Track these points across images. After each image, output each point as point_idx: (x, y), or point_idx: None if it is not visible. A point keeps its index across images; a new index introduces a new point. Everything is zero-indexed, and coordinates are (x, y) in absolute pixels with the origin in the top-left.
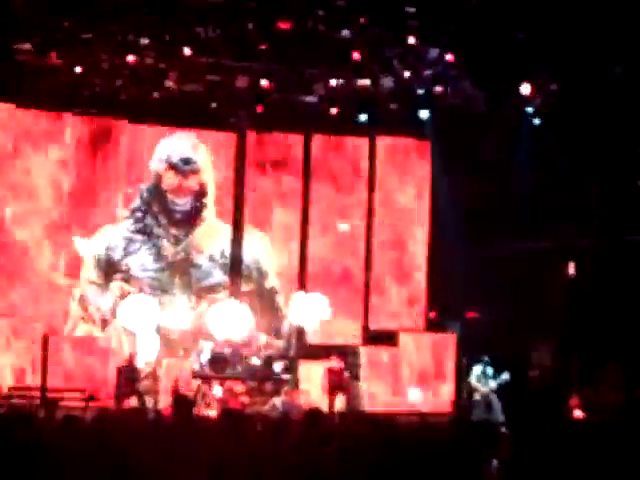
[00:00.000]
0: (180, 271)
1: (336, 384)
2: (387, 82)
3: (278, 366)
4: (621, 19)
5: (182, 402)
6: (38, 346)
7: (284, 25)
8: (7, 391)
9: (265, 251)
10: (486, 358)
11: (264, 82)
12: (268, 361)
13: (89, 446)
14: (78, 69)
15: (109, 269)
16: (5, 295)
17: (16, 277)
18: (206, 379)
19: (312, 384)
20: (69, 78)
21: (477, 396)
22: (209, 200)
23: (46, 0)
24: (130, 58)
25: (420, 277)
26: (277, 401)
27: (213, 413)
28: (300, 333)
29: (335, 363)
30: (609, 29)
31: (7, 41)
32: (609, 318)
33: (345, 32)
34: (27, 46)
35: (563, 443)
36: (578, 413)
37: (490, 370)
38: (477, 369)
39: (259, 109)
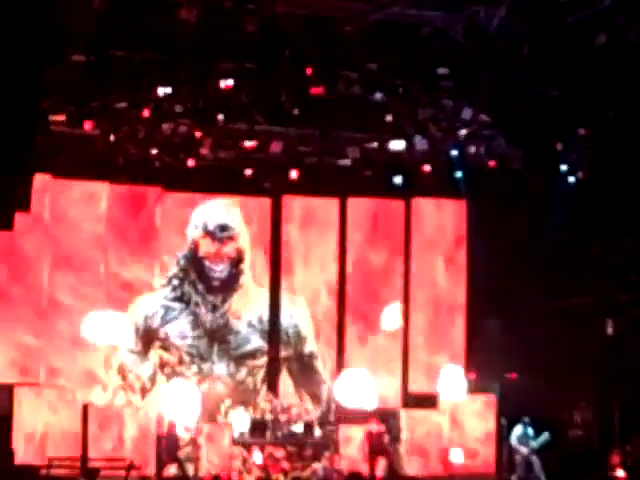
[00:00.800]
0: (219, 338)
1: (376, 448)
2: (421, 143)
3: (318, 431)
4: None
5: None
6: (78, 416)
7: (317, 90)
8: (48, 462)
9: (303, 315)
10: (526, 419)
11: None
12: (308, 426)
13: None
14: (112, 138)
15: (147, 337)
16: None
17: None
18: (246, 446)
19: (352, 448)
20: (104, 147)
21: (518, 457)
22: (246, 266)
23: (80, 71)
24: (164, 126)
25: (459, 339)
26: (318, 466)
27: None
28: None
29: (375, 426)
30: None
31: (42, 112)
32: None
33: (378, 95)
34: (61, 117)
35: None
36: (620, 473)
37: (530, 431)
38: (517, 430)
39: (294, 174)
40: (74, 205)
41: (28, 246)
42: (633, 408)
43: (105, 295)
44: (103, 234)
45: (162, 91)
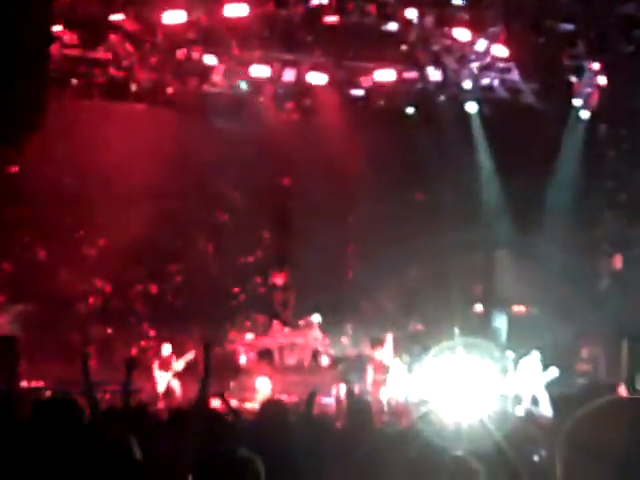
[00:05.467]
0: None
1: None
2: (434, 75)
3: (325, 360)
4: None
5: None
6: None
7: (331, 19)
8: None
9: None
10: (534, 352)
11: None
12: (314, 355)
13: None
14: (125, 62)
15: None
16: None
17: None
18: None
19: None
20: (116, 72)
21: (525, 390)
22: None
23: None
24: (178, 52)
25: None
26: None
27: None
28: None
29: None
30: None
31: (55, 36)
32: None
33: (392, 25)
34: (75, 39)
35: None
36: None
37: (538, 364)
38: (525, 363)
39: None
40: None
41: None
42: None
43: None
44: None
45: (176, 17)
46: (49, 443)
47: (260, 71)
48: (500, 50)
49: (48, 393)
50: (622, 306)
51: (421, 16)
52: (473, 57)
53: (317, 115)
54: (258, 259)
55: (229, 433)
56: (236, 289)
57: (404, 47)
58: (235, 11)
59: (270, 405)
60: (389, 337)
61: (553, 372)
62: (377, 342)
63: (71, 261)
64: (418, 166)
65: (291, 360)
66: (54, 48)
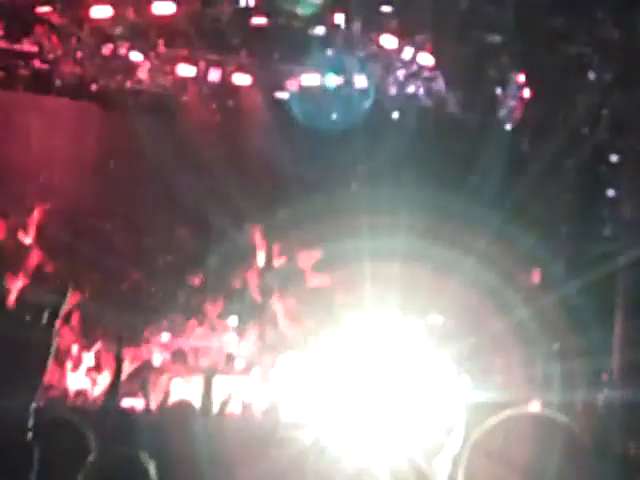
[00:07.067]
0: None
1: None
2: (360, 81)
3: (240, 363)
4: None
5: None
6: None
7: (259, 20)
8: None
9: None
10: (449, 363)
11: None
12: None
13: None
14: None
15: None
16: None
17: None
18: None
19: None
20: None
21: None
22: None
23: None
24: (104, 48)
25: None
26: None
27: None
28: None
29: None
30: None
31: None
32: (575, 323)
33: (319, 29)
34: None
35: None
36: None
37: (454, 375)
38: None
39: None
40: None
41: None
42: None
43: None
44: None
45: (103, 12)
46: None
47: (186, 70)
48: (426, 58)
49: None
50: (539, 320)
51: (348, 22)
52: (399, 65)
53: (240, 116)
54: (176, 259)
55: (136, 433)
56: (153, 289)
57: (330, 52)
58: (163, 9)
59: (178, 407)
60: None
61: (466, 383)
62: None
63: None
64: (340, 171)
65: (205, 362)
66: None
